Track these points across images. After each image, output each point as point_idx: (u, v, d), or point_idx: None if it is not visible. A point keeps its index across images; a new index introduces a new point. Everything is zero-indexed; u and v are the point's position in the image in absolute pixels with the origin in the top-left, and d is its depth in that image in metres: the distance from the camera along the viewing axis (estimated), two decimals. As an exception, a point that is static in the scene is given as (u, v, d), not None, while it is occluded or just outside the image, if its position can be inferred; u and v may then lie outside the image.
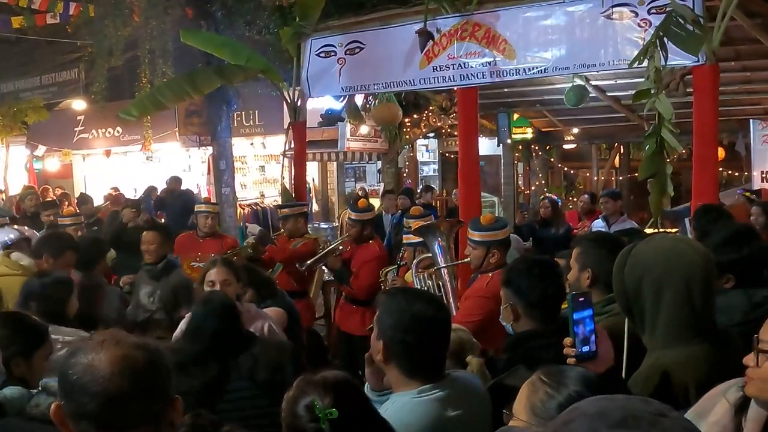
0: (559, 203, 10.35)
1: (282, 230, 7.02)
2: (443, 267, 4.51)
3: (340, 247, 6.61)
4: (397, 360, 2.29)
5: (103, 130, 17.68)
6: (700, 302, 2.19)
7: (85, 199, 11.82)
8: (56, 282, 3.96)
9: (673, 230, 7.21)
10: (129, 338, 1.73)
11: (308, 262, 6.43)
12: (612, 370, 2.02)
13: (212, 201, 8.89)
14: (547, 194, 10.25)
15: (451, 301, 4.50)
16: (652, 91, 5.06)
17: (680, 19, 5.14)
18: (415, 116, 13.40)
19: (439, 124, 13.50)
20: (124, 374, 1.60)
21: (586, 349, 1.98)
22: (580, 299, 1.99)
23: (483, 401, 2.43)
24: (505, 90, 10.38)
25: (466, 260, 4.69)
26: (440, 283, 4.65)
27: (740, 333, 2.52)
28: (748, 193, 8.62)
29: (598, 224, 8.15)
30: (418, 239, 4.97)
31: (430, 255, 4.77)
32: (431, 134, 15.57)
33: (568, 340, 2.01)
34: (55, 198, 13.05)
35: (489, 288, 4.00)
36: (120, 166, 18.16)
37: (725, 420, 1.80)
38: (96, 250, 5.38)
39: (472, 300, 4.09)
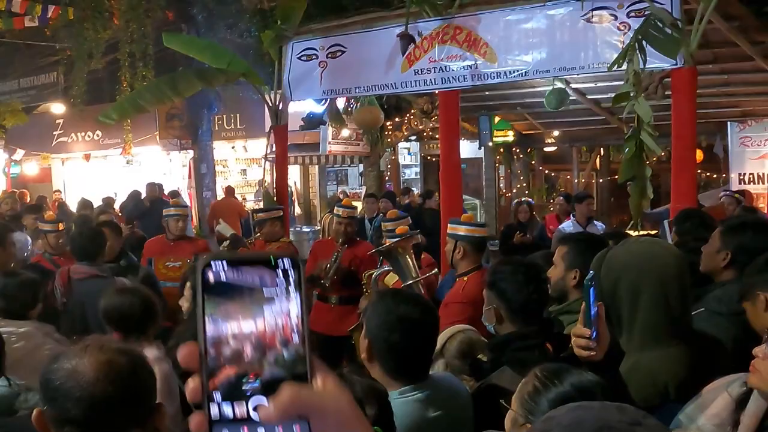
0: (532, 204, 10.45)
1: (258, 234, 6.96)
2: (411, 282, 4.48)
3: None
4: (380, 359, 2.30)
5: (83, 134, 17.52)
6: (677, 304, 2.21)
7: (85, 204, 11.68)
8: (22, 283, 3.91)
9: (653, 232, 7.26)
10: (112, 343, 1.72)
11: (324, 282, 6.28)
12: (608, 356, 1.99)
13: (182, 204, 8.63)
14: (523, 198, 10.26)
15: None
16: (632, 94, 5.11)
17: (659, 23, 5.19)
18: (396, 119, 13.42)
19: (420, 127, 13.53)
20: (108, 379, 1.60)
21: (594, 334, 1.94)
22: (593, 282, 1.93)
23: (465, 402, 2.44)
24: (487, 93, 10.43)
25: (433, 272, 4.84)
26: None
27: (739, 322, 2.57)
28: (737, 195, 8.70)
29: (569, 226, 8.17)
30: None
31: (390, 269, 4.78)
32: (413, 137, 15.61)
33: (585, 331, 1.92)
34: (34, 202, 12.93)
35: (465, 293, 4.04)
36: (100, 170, 18.01)
37: (725, 413, 1.83)
38: (97, 241, 5.36)
39: (450, 307, 4.09)
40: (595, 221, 8.35)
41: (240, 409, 0.72)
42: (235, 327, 0.73)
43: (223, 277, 0.74)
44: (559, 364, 1.92)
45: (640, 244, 2.44)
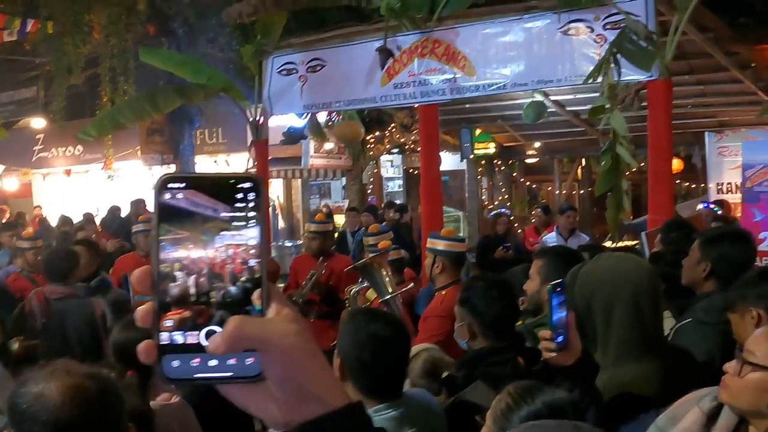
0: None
1: None
2: (388, 297, 4.47)
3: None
4: (353, 377, 2.30)
5: (63, 149, 17.43)
6: (650, 318, 2.24)
7: (65, 220, 11.60)
8: None
9: (634, 242, 7.31)
10: (80, 368, 1.72)
11: (296, 299, 6.27)
12: (580, 363, 2.05)
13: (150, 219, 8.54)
14: (501, 209, 10.21)
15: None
16: (607, 107, 5.15)
17: (633, 36, 5.25)
18: (378, 132, 13.44)
19: (402, 140, 13.55)
20: (74, 403, 1.59)
21: (560, 339, 2.01)
22: (558, 288, 2.02)
23: (439, 419, 2.44)
24: (467, 105, 10.47)
25: (410, 287, 4.85)
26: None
27: (727, 332, 2.59)
28: (713, 205, 8.79)
29: (552, 239, 8.20)
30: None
31: (367, 285, 4.77)
32: (395, 150, 15.64)
33: (546, 334, 2.02)
34: (12, 219, 12.84)
35: (444, 306, 4.05)
36: (81, 185, 17.90)
37: (695, 427, 1.84)
38: (68, 261, 5.31)
39: (429, 321, 4.12)
40: (580, 233, 8.38)
41: (192, 338, 0.70)
42: (191, 253, 0.71)
43: (181, 199, 0.71)
44: (531, 382, 1.94)
45: (613, 259, 2.47)
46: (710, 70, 8.01)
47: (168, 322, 0.70)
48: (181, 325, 0.71)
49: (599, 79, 5.22)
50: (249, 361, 0.70)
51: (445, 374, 2.88)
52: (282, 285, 6.66)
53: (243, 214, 0.72)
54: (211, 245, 0.72)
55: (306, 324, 0.75)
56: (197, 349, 0.70)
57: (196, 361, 0.70)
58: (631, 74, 5.47)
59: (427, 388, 2.70)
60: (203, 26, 11.89)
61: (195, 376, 0.70)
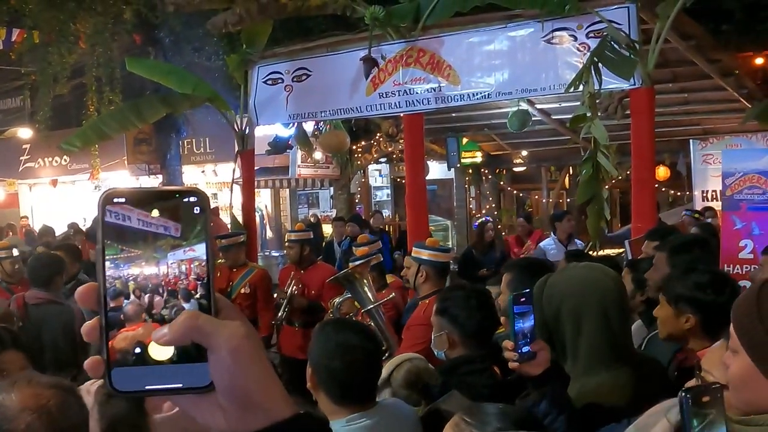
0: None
1: (222, 260, 6.85)
2: (370, 308, 4.43)
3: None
4: (324, 387, 2.29)
5: (50, 159, 17.34)
6: (618, 326, 2.25)
7: (46, 230, 11.53)
8: None
9: (620, 251, 7.31)
10: (42, 378, 1.70)
11: (279, 315, 6.31)
12: (548, 372, 2.03)
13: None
14: (484, 218, 10.11)
15: (388, 337, 4.43)
16: (588, 115, 5.15)
17: (614, 44, 5.26)
18: (364, 142, 13.44)
19: (390, 149, 13.56)
20: (35, 413, 1.57)
21: (526, 349, 2.00)
22: (522, 299, 2.01)
23: (413, 427, 2.43)
24: (453, 115, 10.48)
25: (390, 297, 4.84)
26: (372, 323, 4.53)
27: None
28: (696, 215, 8.84)
29: (550, 244, 8.13)
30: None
31: (350, 296, 4.75)
32: (383, 159, 15.65)
33: (508, 344, 2.01)
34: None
35: (426, 315, 4.02)
36: (68, 196, 17.82)
37: None
38: (52, 267, 5.28)
39: (413, 329, 4.13)
40: (576, 239, 8.34)
41: (140, 351, 0.70)
42: (136, 269, 0.71)
43: (125, 215, 0.71)
44: (472, 405, 1.91)
45: (578, 270, 2.47)
46: (693, 77, 8.05)
47: (118, 338, 0.70)
48: (130, 341, 0.70)
49: (581, 88, 5.22)
50: (199, 371, 0.70)
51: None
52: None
53: (187, 228, 0.72)
54: (156, 261, 0.71)
55: (255, 334, 0.75)
56: (146, 361, 0.70)
57: (145, 374, 0.70)
58: (613, 82, 5.48)
59: (409, 398, 2.69)
60: (189, 36, 11.86)
61: (146, 388, 0.70)
